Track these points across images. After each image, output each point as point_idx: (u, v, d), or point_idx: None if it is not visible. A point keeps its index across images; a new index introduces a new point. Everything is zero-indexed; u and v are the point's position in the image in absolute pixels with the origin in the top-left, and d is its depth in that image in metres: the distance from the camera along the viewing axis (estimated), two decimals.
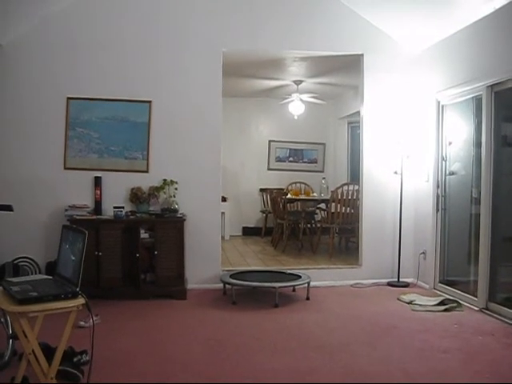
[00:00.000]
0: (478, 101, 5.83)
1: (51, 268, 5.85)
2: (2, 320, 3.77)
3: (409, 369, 3.97)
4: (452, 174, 6.46)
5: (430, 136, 6.61)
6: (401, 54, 6.91)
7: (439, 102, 6.48)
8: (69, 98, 6.32)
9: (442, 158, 6.51)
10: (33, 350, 2.88)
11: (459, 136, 6.37)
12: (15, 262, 6.03)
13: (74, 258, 3.01)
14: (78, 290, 2.87)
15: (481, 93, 5.65)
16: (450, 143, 6.46)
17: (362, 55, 6.88)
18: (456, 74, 6.06)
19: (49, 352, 3.12)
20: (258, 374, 3.89)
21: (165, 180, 6.33)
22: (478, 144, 5.80)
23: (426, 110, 6.72)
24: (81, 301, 2.84)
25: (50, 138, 6.29)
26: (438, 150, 6.52)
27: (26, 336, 2.88)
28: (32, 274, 6.05)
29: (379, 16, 6.64)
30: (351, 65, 7.34)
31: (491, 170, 5.54)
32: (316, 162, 11.40)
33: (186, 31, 6.52)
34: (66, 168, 6.35)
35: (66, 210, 6.10)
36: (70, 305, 2.82)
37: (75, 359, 3.77)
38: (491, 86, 5.48)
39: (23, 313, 2.75)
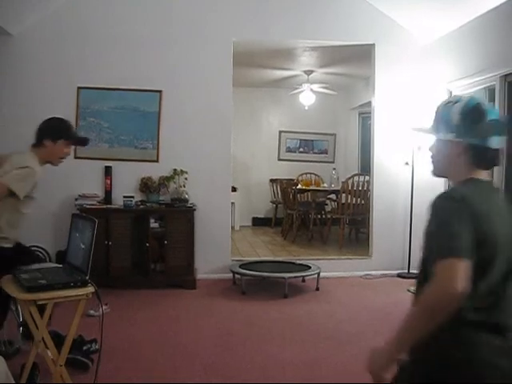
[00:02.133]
0: (490, 91, 5.77)
1: (61, 257, 5.86)
2: (13, 308, 3.79)
3: None
4: None
5: None
6: (412, 44, 6.84)
7: (451, 93, 6.42)
8: (79, 88, 6.31)
9: None
10: (42, 338, 2.90)
11: None
12: None
13: (83, 247, 3.01)
14: (87, 278, 2.87)
15: (494, 83, 5.59)
16: None
17: (374, 45, 6.82)
18: (468, 64, 5.99)
19: (59, 340, 3.13)
20: (266, 365, 3.89)
21: (175, 170, 6.32)
22: None
23: (437, 101, 6.64)
24: (90, 289, 2.84)
25: None
26: None
27: (35, 324, 2.89)
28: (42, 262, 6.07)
29: (391, 6, 6.57)
30: (362, 55, 7.28)
31: (504, 161, 5.49)
32: (326, 153, 11.35)
33: (196, 21, 6.49)
34: (76, 157, 6.35)
35: (77, 200, 6.12)
36: (80, 293, 2.83)
37: (85, 348, 3.78)
38: (504, 76, 5.42)
39: (32, 300, 2.75)
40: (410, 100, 6.83)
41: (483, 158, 1.78)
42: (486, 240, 1.62)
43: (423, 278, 1.74)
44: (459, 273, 1.53)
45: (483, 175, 1.80)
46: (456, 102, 1.81)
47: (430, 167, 1.98)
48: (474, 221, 1.61)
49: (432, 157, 1.95)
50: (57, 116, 3.58)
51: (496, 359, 1.60)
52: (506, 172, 5.49)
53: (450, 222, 1.63)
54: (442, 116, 1.83)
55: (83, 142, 3.72)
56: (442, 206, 1.73)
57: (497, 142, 1.76)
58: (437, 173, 1.98)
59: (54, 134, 3.40)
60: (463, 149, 1.77)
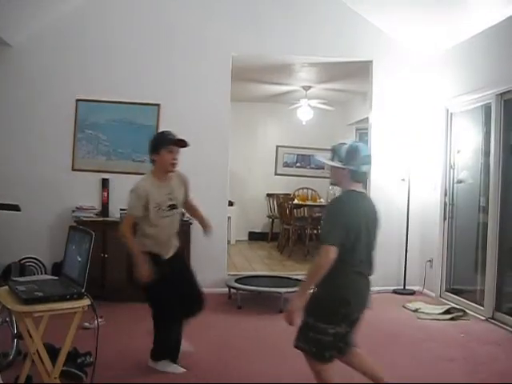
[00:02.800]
0: (487, 109, 5.81)
1: (57, 269, 5.85)
2: (8, 319, 3.78)
3: (413, 377, 3.95)
4: (460, 182, 6.44)
5: (439, 144, 6.59)
6: (410, 61, 6.90)
7: (448, 110, 6.46)
8: (78, 100, 6.34)
9: (450, 166, 6.49)
10: (37, 350, 2.88)
11: (468, 144, 6.35)
12: (21, 262, 6.04)
13: (80, 259, 3.01)
14: (83, 290, 2.87)
15: (490, 101, 5.63)
16: (458, 151, 6.43)
17: (371, 62, 6.87)
18: (465, 81, 6.04)
19: (53, 352, 3.12)
20: (261, 379, 3.88)
21: None
22: (487, 152, 5.78)
23: (434, 118, 6.71)
24: (86, 302, 2.84)
25: (59, 139, 6.32)
26: (446, 157, 6.49)
27: (30, 336, 2.88)
28: (38, 274, 6.05)
29: (389, 23, 6.63)
30: (360, 71, 7.33)
31: (499, 179, 5.52)
32: (323, 168, 11.33)
33: (195, 35, 6.53)
34: (73, 169, 6.38)
35: (73, 212, 6.12)
36: (76, 305, 2.82)
37: (79, 360, 3.77)
38: (501, 94, 5.46)
39: (28, 312, 2.75)
40: (407, 116, 6.88)
41: (358, 177, 3.07)
42: (353, 227, 2.94)
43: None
44: (329, 254, 2.84)
45: (359, 187, 3.12)
46: (344, 144, 3.07)
47: (330, 179, 3.29)
48: (347, 216, 2.95)
49: (330, 174, 3.21)
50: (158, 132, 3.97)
51: (363, 288, 3.08)
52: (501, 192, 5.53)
53: (333, 218, 2.97)
54: (336, 152, 3.07)
55: (180, 143, 3.84)
56: (331, 207, 3.15)
57: (365, 168, 3.08)
58: (333, 183, 3.30)
59: (155, 148, 3.79)
60: (347, 172, 3.03)
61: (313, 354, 3.03)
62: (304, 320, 3.03)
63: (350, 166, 3.01)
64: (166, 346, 3.96)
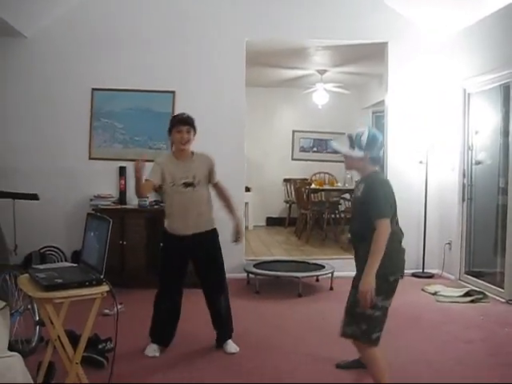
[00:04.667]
0: (505, 88, 5.73)
1: (77, 257, 5.91)
2: (29, 307, 3.84)
3: (432, 360, 3.95)
4: (478, 163, 6.37)
5: (456, 125, 6.52)
6: (426, 41, 6.81)
7: (465, 90, 6.38)
8: (93, 89, 6.37)
9: (468, 147, 6.42)
10: (58, 336, 2.92)
11: (486, 125, 6.27)
12: (42, 251, 6.12)
13: (98, 246, 3.04)
14: (102, 277, 2.89)
15: (508, 80, 5.55)
16: (476, 132, 6.36)
17: (387, 43, 6.80)
18: (483, 61, 5.95)
19: (74, 339, 3.16)
20: (280, 363, 3.90)
21: None
22: (506, 133, 5.71)
23: (451, 99, 6.63)
24: (105, 288, 2.86)
25: (76, 128, 6.37)
26: (464, 138, 6.42)
27: (51, 322, 2.92)
28: (58, 262, 6.13)
29: (404, 3, 6.55)
30: (375, 53, 7.26)
31: None
32: (340, 152, 11.29)
33: (209, 21, 6.52)
34: (91, 158, 6.42)
35: (91, 200, 6.17)
36: (95, 292, 2.85)
37: (100, 346, 3.83)
38: None
39: (49, 299, 2.78)
40: (423, 98, 6.81)
41: (376, 162, 3.25)
42: (393, 200, 3.17)
43: (360, 236, 3.17)
44: (388, 226, 3.03)
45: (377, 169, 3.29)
46: (362, 132, 3.18)
47: (345, 165, 3.48)
48: (388, 191, 3.16)
49: (347, 162, 3.35)
50: None
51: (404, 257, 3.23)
52: None
53: (380, 194, 3.10)
54: (356, 141, 3.18)
55: (181, 120, 4.04)
56: (373, 185, 3.16)
57: (381, 152, 3.33)
58: (348, 169, 3.71)
59: (169, 130, 4.05)
60: (368, 159, 3.18)
61: (361, 334, 3.07)
62: (351, 297, 3.16)
63: (372, 153, 3.17)
64: (152, 325, 4.13)
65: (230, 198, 4.25)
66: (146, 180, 3.92)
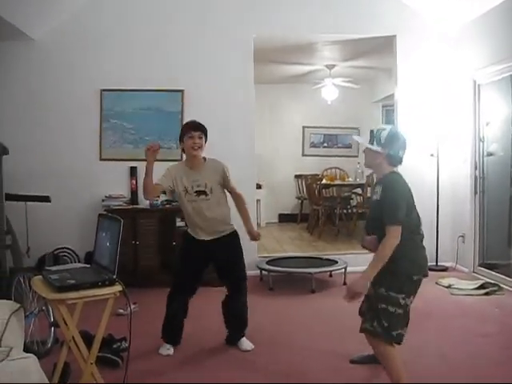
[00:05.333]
0: None
1: (90, 258, 5.92)
2: (44, 308, 3.86)
3: (447, 354, 3.93)
4: (490, 154, 6.32)
5: (467, 116, 6.47)
6: (434, 33, 6.77)
7: (475, 81, 6.34)
8: (102, 90, 6.39)
9: (480, 139, 6.38)
10: (73, 337, 2.94)
11: (497, 116, 6.22)
12: (55, 252, 6.15)
13: (110, 246, 3.05)
14: (114, 277, 2.90)
15: None
16: (487, 123, 6.31)
17: (395, 36, 6.75)
18: (493, 51, 5.91)
19: (89, 339, 3.18)
20: (294, 360, 3.90)
21: None
22: None
23: (461, 90, 6.59)
24: (118, 288, 2.88)
25: (86, 129, 6.40)
26: (475, 130, 6.38)
27: (66, 323, 2.94)
28: (71, 263, 6.16)
29: None
30: (384, 47, 7.22)
31: None
32: (351, 147, 11.28)
33: (216, 18, 6.51)
34: (101, 159, 6.45)
35: (103, 201, 6.20)
36: (107, 292, 2.86)
37: (114, 346, 3.84)
38: None
39: (62, 300, 2.80)
40: (433, 90, 6.77)
41: (395, 161, 3.24)
42: (411, 200, 3.16)
43: (381, 233, 3.07)
44: (399, 233, 3.00)
45: (395, 169, 3.24)
46: (384, 129, 3.23)
47: (365, 161, 3.38)
48: (405, 193, 3.15)
49: (366, 157, 3.32)
50: None
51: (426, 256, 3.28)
52: None
53: (395, 199, 3.08)
54: (376, 136, 3.20)
55: (194, 127, 4.06)
56: (389, 189, 3.13)
57: (402, 153, 3.26)
58: (367, 165, 3.41)
59: (180, 138, 4.07)
60: (385, 156, 3.18)
61: (382, 331, 3.07)
62: (373, 293, 3.15)
63: (390, 150, 3.18)
64: (164, 324, 4.16)
65: (247, 210, 4.27)
66: (156, 184, 3.97)
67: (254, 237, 4.30)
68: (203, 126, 4.06)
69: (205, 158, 4.10)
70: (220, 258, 4.11)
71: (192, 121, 4.14)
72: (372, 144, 3.22)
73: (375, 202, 3.23)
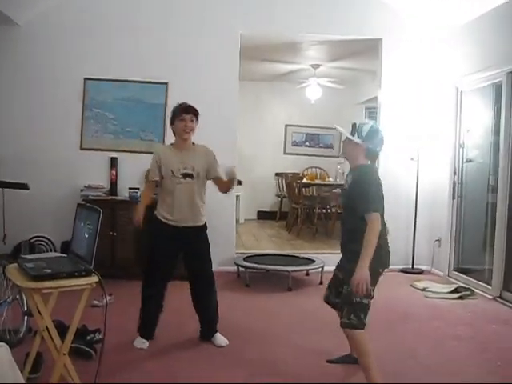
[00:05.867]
0: (497, 87, 5.75)
1: (66, 247, 5.85)
2: (18, 297, 3.82)
3: (421, 356, 3.97)
4: (469, 161, 6.40)
5: (448, 122, 6.53)
6: (420, 38, 6.81)
7: (458, 88, 6.40)
8: (86, 79, 6.33)
9: (460, 145, 6.45)
10: (46, 327, 2.91)
11: (478, 123, 6.29)
12: (31, 240, 6.09)
13: (88, 236, 3.02)
14: (91, 267, 2.88)
15: (501, 79, 5.57)
16: (467, 130, 6.38)
17: (381, 40, 6.80)
18: (476, 59, 5.97)
19: (63, 329, 3.15)
20: (269, 357, 3.91)
21: None
22: (497, 131, 5.74)
23: (444, 96, 6.65)
24: (94, 279, 2.85)
25: (67, 118, 6.34)
26: (455, 136, 6.45)
27: (40, 313, 2.91)
28: (47, 252, 6.09)
29: (399, 0, 6.53)
30: (369, 49, 7.26)
31: (509, 158, 5.48)
32: (332, 148, 11.33)
33: (203, 13, 6.48)
34: (82, 148, 6.39)
35: (82, 190, 6.15)
36: (84, 282, 2.83)
37: (88, 337, 3.81)
38: (511, 72, 5.39)
39: (37, 289, 2.77)
40: (417, 95, 6.81)
41: (372, 155, 3.42)
42: (382, 194, 3.32)
43: (348, 228, 3.45)
44: (379, 219, 3.20)
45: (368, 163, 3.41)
46: (366, 124, 3.39)
47: (342, 152, 3.65)
48: (377, 185, 3.31)
49: (345, 149, 3.52)
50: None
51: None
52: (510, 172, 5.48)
53: (369, 189, 3.24)
54: (358, 129, 3.35)
55: (188, 109, 4.06)
56: (362, 180, 3.31)
57: (379, 148, 3.42)
58: (344, 155, 3.63)
59: (171, 119, 4.08)
60: (364, 149, 3.35)
61: (358, 322, 3.25)
62: (346, 289, 3.32)
63: (370, 144, 3.35)
64: (140, 317, 4.14)
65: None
66: (150, 181, 4.12)
67: (231, 172, 4.07)
68: (195, 109, 4.06)
69: (193, 143, 4.13)
70: (192, 247, 4.10)
71: (183, 103, 4.11)
72: (353, 136, 3.36)
73: (345, 192, 3.51)
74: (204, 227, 4.17)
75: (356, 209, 3.26)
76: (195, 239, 4.10)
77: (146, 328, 4.12)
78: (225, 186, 4.15)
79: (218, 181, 4.17)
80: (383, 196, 3.36)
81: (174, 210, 4.01)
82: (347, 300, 3.29)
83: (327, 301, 3.72)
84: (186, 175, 3.98)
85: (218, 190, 4.25)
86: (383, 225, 3.32)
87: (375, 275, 3.27)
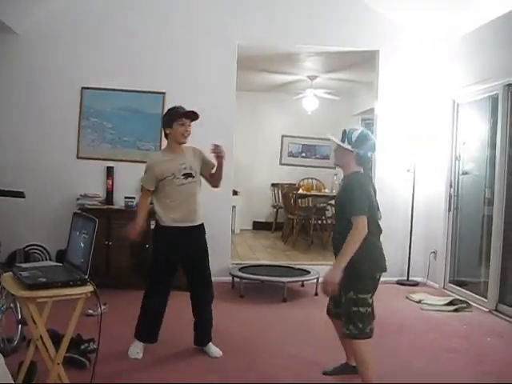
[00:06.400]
0: (494, 100, 5.78)
1: (62, 256, 5.86)
2: (12, 305, 3.80)
3: (415, 368, 3.96)
4: (465, 173, 6.41)
5: (445, 135, 6.56)
6: (417, 51, 6.85)
7: (454, 101, 6.43)
8: (83, 88, 6.33)
9: (456, 158, 6.46)
10: (41, 336, 2.90)
11: (474, 136, 6.32)
12: (26, 249, 6.07)
13: (83, 246, 3.01)
14: (86, 277, 2.87)
15: (497, 92, 5.60)
16: (464, 143, 6.40)
17: (378, 51, 6.83)
18: (472, 72, 6.00)
19: (57, 339, 3.14)
20: (263, 367, 3.89)
21: None
22: (493, 144, 5.76)
23: (440, 108, 6.67)
24: (89, 288, 2.84)
25: (64, 127, 6.33)
26: (451, 149, 6.46)
27: (34, 322, 2.89)
28: (42, 261, 6.07)
29: (396, 12, 6.58)
30: (366, 61, 7.29)
31: (505, 171, 5.49)
32: (328, 159, 11.33)
33: (201, 24, 6.50)
34: (78, 157, 6.38)
35: (78, 199, 6.13)
36: (79, 292, 2.83)
37: (82, 347, 3.79)
38: (508, 85, 5.43)
39: (32, 298, 2.76)
40: (413, 107, 6.84)
41: (363, 161, 3.41)
42: (371, 199, 3.29)
43: (339, 235, 3.33)
44: (365, 223, 3.17)
45: (361, 170, 3.42)
46: (356, 130, 3.40)
47: (334, 160, 3.66)
48: (365, 190, 3.29)
49: (337, 156, 3.53)
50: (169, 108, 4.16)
51: (383, 254, 3.48)
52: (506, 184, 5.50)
53: (356, 193, 3.25)
54: (347, 135, 3.37)
55: (190, 115, 4.03)
56: (350, 185, 3.35)
57: (370, 154, 3.42)
58: (337, 163, 3.63)
59: (168, 122, 4.01)
60: (354, 155, 3.36)
61: (358, 332, 3.27)
62: (343, 299, 3.33)
63: (360, 150, 3.35)
64: (139, 323, 4.11)
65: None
66: (146, 191, 4.06)
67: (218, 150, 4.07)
68: (197, 114, 4.05)
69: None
70: (192, 247, 4.10)
71: (181, 107, 4.08)
72: (343, 143, 3.39)
73: (336, 199, 3.58)
74: (202, 226, 4.20)
75: (345, 213, 3.30)
76: (196, 239, 4.13)
77: (145, 332, 4.08)
78: (216, 174, 4.20)
79: (211, 174, 4.23)
80: (377, 201, 3.40)
81: (178, 210, 4.00)
82: (345, 309, 3.32)
83: (329, 313, 3.71)
84: (187, 175, 4.01)
85: (211, 190, 4.27)
86: (377, 227, 3.38)
87: (371, 282, 3.31)
